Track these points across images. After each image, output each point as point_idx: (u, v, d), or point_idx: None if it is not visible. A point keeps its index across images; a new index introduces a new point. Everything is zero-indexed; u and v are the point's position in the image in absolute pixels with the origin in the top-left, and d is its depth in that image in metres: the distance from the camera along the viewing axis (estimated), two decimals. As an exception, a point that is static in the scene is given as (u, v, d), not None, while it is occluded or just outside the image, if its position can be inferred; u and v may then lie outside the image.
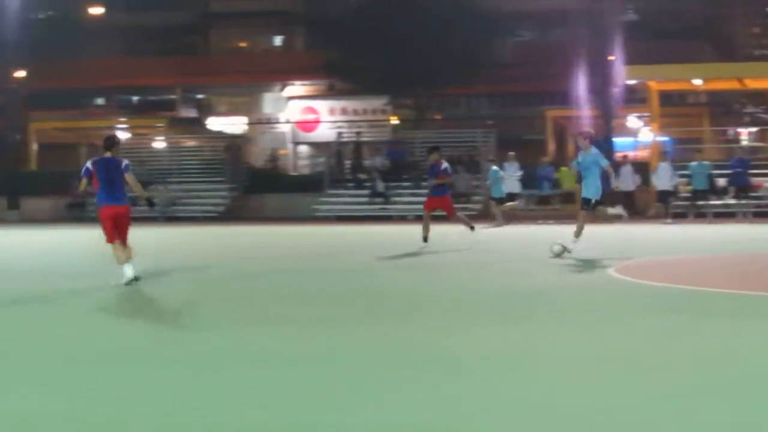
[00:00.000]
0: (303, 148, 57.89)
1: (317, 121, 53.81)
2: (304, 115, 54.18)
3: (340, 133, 47.74)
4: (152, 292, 14.88)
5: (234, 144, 49.64)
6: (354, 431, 6.53)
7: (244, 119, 60.47)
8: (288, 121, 57.40)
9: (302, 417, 6.79)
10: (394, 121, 53.50)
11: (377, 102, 50.87)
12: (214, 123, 60.42)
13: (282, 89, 59.76)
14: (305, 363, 8.79)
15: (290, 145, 57.38)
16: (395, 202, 41.86)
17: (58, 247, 26.74)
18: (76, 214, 43.49)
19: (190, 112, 63.60)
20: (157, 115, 60.03)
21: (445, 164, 23.18)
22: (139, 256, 15.90)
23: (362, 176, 43.95)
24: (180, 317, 12.57)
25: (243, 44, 66.39)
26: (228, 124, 59.14)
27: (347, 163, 45.40)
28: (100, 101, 64.44)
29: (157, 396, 7.62)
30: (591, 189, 19.43)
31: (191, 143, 53.18)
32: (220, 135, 55.95)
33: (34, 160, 53.36)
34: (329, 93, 58.49)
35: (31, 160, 52.83)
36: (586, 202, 19.53)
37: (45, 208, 44.79)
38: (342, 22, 49.52)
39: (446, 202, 23.13)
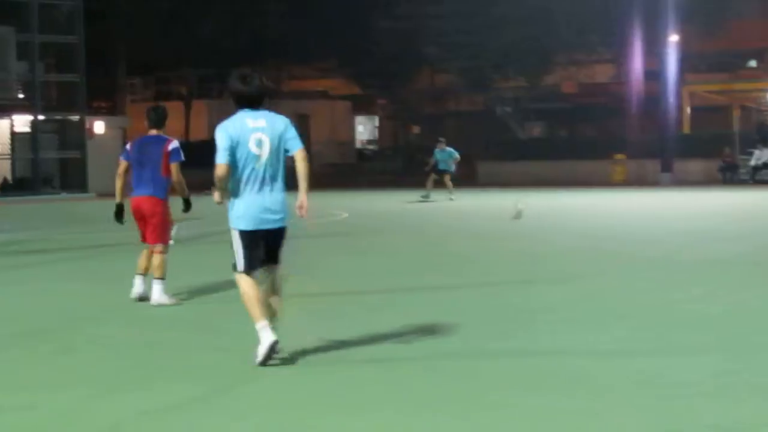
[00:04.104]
0: None
1: None
2: None
3: None
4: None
5: None
6: None
7: None
8: None
9: None
10: None
11: None
12: None
13: None
14: None
15: None
16: None
17: (709, 210, 26.85)
18: (728, 177, 43.38)
19: None
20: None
21: None
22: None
23: None
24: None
25: None
26: None
27: None
28: (752, 63, 63.38)
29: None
30: None
31: None
32: None
33: (687, 123, 53.77)
34: None
35: (684, 122, 53.30)
36: None
37: (697, 171, 45.06)
38: None
39: None
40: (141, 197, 11.53)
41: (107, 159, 33.44)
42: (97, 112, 51.59)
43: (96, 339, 9.79)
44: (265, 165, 8.26)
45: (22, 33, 42.97)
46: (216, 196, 8.40)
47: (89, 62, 44.79)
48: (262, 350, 8.08)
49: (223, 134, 8.25)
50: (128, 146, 12.01)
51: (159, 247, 11.57)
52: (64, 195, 40.42)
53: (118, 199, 11.88)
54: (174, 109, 56.25)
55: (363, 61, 55.73)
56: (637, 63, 52.90)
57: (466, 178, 41.67)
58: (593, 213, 26.52)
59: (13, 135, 43.50)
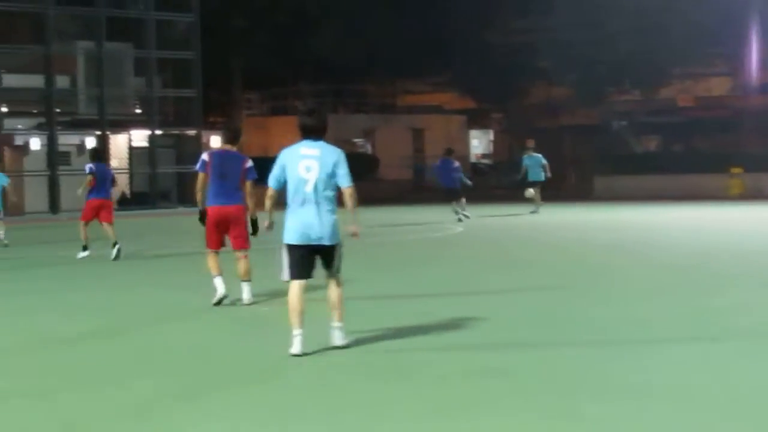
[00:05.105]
0: None
1: None
2: None
3: None
4: None
5: None
6: None
7: None
8: None
9: None
10: None
11: None
12: None
13: None
14: None
15: None
16: None
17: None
18: None
19: None
20: None
21: None
22: None
23: None
24: None
25: None
26: None
27: None
28: None
29: None
30: None
31: None
32: None
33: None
34: None
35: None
36: None
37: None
38: None
39: None
40: (228, 206, 12.40)
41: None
42: (213, 127, 52.27)
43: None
44: (313, 189, 9.32)
45: (140, 49, 43.84)
46: (266, 220, 9.69)
47: (205, 77, 45.44)
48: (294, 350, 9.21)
49: (278, 162, 9.55)
50: (205, 158, 12.68)
51: (245, 252, 12.49)
52: (180, 209, 40.92)
53: (201, 207, 12.64)
54: (289, 123, 56.78)
55: (478, 75, 55.65)
56: (754, 76, 52.12)
57: (583, 191, 41.38)
58: (709, 228, 25.80)
59: (131, 150, 44.29)
